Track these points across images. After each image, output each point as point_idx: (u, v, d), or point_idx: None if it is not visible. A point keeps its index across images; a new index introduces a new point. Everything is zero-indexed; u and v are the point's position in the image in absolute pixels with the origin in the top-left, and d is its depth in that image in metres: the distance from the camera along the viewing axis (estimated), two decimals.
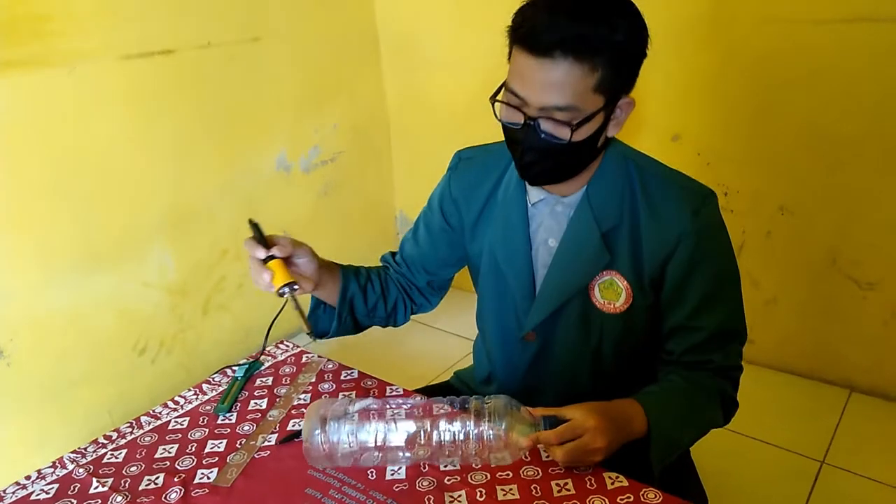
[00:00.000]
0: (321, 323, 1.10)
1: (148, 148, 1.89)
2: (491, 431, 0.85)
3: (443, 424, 0.86)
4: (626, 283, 0.98)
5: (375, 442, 0.87)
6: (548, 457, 0.91)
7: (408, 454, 0.88)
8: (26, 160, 1.65)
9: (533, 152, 0.91)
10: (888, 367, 1.91)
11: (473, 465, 0.90)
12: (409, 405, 0.89)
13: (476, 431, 0.85)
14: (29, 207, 1.67)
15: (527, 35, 0.85)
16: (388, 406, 0.89)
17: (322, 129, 2.39)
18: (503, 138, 0.97)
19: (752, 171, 1.94)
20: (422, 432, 0.86)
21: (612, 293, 0.99)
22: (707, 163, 2.00)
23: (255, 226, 0.98)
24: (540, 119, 0.87)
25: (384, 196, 2.73)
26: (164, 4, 1.85)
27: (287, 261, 0.97)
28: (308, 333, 0.98)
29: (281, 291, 0.94)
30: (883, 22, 1.64)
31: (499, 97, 0.92)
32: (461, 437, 0.85)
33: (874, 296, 1.86)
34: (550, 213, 1.01)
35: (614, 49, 0.84)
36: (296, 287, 0.95)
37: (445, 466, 0.91)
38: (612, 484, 0.86)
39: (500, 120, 0.93)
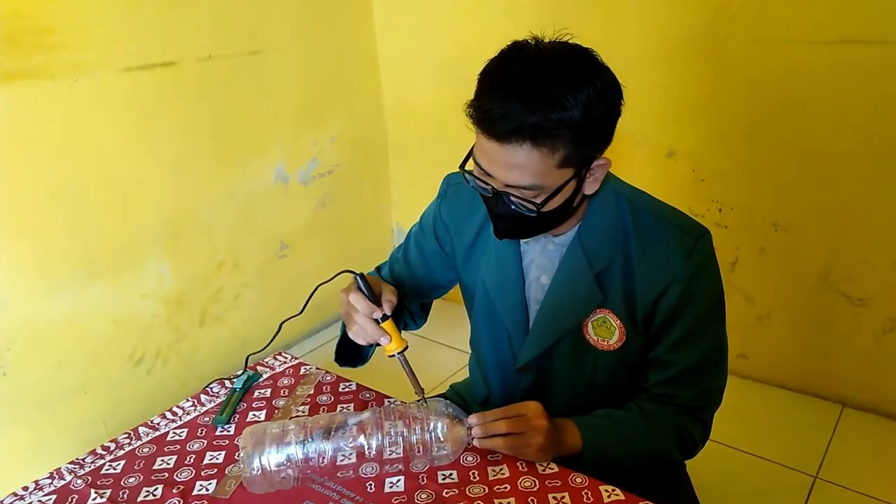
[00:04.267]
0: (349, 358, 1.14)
1: (148, 159, 1.90)
2: (431, 433, 0.90)
3: (386, 436, 0.90)
4: (619, 321, 0.98)
5: (320, 460, 0.89)
6: (544, 469, 0.92)
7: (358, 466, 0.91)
8: (27, 170, 1.66)
9: (505, 219, 0.92)
10: (880, 382, 1.93)
11: (414, 468, 0.93)
12: (357, 420, 0.91)
13: (419, 434, 0.90)
14: (28, 217, 1.68)
15: (483, 121, 0.84)
16: (317, 424, 0.91)
17: (320, 142, 2.40)
18: None
19: (746, 187, 1.97)
20: (366, 444, 0.90)
21: (606, 331, 0.99)
22: (702, 179, 2.02)
23: (361, 277, 0.97)
24: (508, 192, 0.88)
25: (381, 208, 2.75)
26: (166, 17, 1.87)
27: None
28: (420, 398, 0.96)
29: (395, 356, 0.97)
30: (872, 44, 1.67)
31: (468, 166, 0.92)
32: (400, 440, 0.90)
33: (866, 311, 1.88)
34: (542, 251, 1.01)
35: (573, 127, 0.82)
36: (406, 348, 0.97)
37: (444, 479, 0.91)
38: (609, 497, 0.87)
39: (471, 187, 0.93)
